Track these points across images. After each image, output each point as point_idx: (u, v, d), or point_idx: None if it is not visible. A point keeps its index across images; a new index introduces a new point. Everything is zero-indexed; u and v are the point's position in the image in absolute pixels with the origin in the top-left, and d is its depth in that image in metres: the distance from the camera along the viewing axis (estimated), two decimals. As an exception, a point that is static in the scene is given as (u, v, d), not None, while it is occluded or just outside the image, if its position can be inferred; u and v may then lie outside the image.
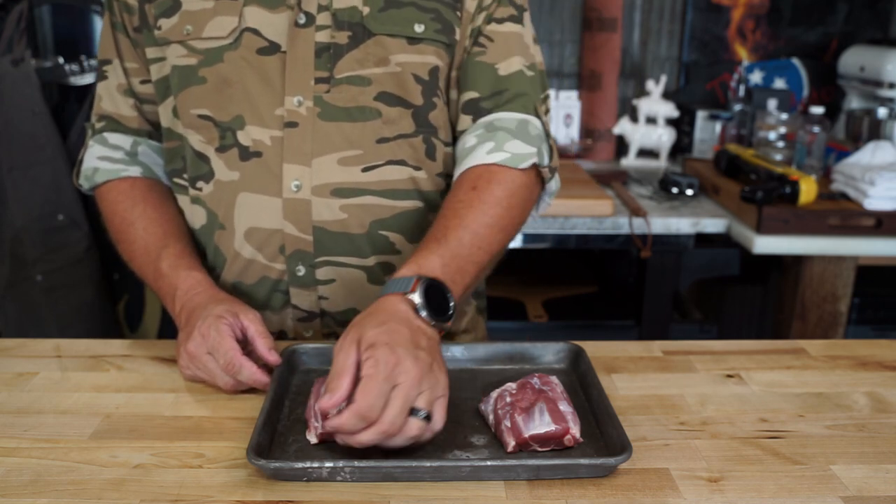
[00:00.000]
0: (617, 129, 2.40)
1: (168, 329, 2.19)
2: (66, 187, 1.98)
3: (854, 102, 2.38)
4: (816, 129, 2.07)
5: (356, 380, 0.73)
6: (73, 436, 0.79)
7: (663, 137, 2.38)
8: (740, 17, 2.57)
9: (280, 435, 0.78)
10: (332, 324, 1.04)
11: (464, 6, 0.99)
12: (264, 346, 0.88)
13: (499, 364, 0.92)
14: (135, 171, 1.07)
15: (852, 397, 0.88)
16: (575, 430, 0.75)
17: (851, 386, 0.91)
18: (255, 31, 0.95)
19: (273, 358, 0.87)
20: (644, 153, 2.47)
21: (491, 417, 0.79)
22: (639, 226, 1.87)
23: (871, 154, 1.90)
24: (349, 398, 0.73)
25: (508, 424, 0.76)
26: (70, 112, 2.08)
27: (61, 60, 2.10)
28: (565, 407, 0.77)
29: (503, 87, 1.00)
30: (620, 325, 2.10)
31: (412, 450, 0.75)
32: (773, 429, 0.81)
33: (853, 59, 2.34)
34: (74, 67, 2.08)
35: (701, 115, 2.39)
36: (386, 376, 0.71)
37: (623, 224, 1.88)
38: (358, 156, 0.97)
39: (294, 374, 0.90)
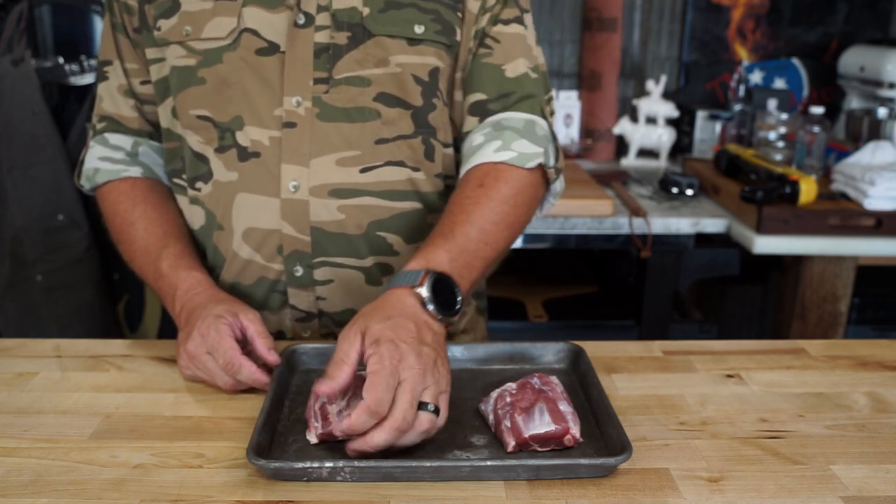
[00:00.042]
0: (617, 129, 2.40)
1: (168, 329, 2.19)
2: (66, 187, 1.98)
3: (854, 102, 2.38)
4: (816, 129, 2.07)
5: (356, 371, 0.74)
6: (73, 436, 0.79)
7: (663, 137, 2.38)
8: (740, 17, 2.57)
9: (280, 435, 0.78)
10: (331, 324, 1.04)
11: (466, 7, 0.99)
12: (264, 345, 0.88)
13: (499, 364, 0.92)
14: (135, 171, 1.07)
15: (852, 397, 0.88)
16: (575, 430, 0.75)
17: (851, 386, 0.91)
18: (254, 32, 0.95)
19: (273, 358, 0.87)
20: (644, 153, 2.47)
21: (491, 417, 0.79)
22: (639, 226, 1.87)
23: (871, 154, 1.90)
24: (348, 396, 0.73)
25: (508, 424, 0.76)
26: (70, 112, 2.08)
27: (61, 60, 2.10)
28: (565, 407, 0.77)
29: (510, 90, 1.00)
30: (620, 325, 2.10)
31: (412, 450, 0.75)
32: (773, 429, 0.81)
33: (853, 59, 2.34)
34: (74, 67, 2.08)
35: (701, 115, 2.39)
36: (391, 371, 0.71)
37: (623, 224, 1.88)
38: (356, 156, 0.97)
39: (294, 374, 0.90)
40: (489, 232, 0.92)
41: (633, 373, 0.94)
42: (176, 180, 1.06)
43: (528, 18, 1.04)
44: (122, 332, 2.21)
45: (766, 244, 1.78)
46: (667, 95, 2.50)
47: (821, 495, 0.70)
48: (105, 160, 1.07)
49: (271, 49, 0.95)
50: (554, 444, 0.75)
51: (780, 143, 2.10)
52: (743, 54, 2.61)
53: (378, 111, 0.97)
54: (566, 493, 0.70)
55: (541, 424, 0.75)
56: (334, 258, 1.00)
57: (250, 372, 0.85)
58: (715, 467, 0.74)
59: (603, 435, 0.77)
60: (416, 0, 0.96)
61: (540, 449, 0.75)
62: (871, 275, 2.03)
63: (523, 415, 0.76)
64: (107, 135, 1.08)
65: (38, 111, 1.94)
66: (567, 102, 2.47)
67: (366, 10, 0.95)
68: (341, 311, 1.02)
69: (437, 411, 0.73)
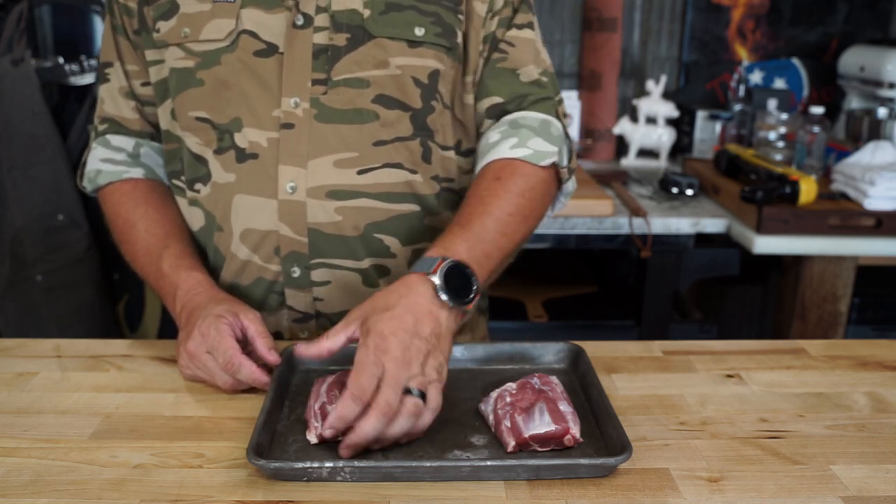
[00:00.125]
0: (617, 129, 2.40)
1: (168, 329, 2.19)
2: (66, 187, 1.98)
3: (854, 102, 2.38)
4: (816, 129, 2.07)
5: (338, 349, 0.80)
6: (73, 436, 0.79)
7: (663, 137, 2.38)
8: (740, 17, 2.57)
9: (280, 435, 0.78)
10: (328, 325, 1.03)
11: (472, 10, 1.00)
12: (264, 345, 0.88)
13: (499, 364, 0.93)
14: (137, 172, 1.07)
15: (852, 397, 0.88)
16: (575, 430, 0.75)
17: (851, 386, 0.91)
18: (253, 34, 0.95)
19: (273, 358, 0.87)
20: (644, 153, 2.46)
21: (491, 417, 0.79)
22: (639, 226, 1.87)
23: (871, 154, 1.90)
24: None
25: (508, 424, 0.76)
26: (70, 112, 2.08)
27: (61, 60, 2.10)
28: (565, 407, 0.77)
29: (526, 92, 1.02)
30: (620, 325, 2.10)
31: (412, 450, 0.75)
32: (773, 429, 0.81)
33: (853, 59, 2.34)
34: (74, 67, 2.08)
35: (701, 115, 2.39)
36: (374, 361, 0.74)
37: (623, 224, 1.88)
38: (354, 158, 0.97)
39: (294, 374, 0.90)
40: (506, 223, 0.93)
41: (633, 373, 0.94)
42: (175, 182, 1.06)
43: (535, 21, 1.06)
44: (122, 332, 2.21)
45: (766, 244, 1.78)
46: (667, 95, 2.50)
47: (821, 495, 0.70)
48: (107, 162, 1.07)
49: (270, 50, 0.95)
50: (554, 444, 0.75)
51: (780, 143, 2.10)
52: (743, 54, 2.61)
53: (376, 113, 0.97)
54: (566, 493, 0.70)
55: (541, 424, 0.75)
56: (331, 259, 1.00)
57: (250, 371, 0.86)
58: (715, 467, 0.74)
59: (603, 435, 0.77)
60: (417, 2, 0.96)
61: (540, 449, 0.75)
62: (871, 275, 2.03)
63: (523, 415, 0.76)
64: (108, 136, 1.08)
65: (38, 111, 1.94)
66: (567, 102, 2.47)
67: (366, 12, 0.95)
68: (338, 312, 1.02)
69: (422, 396, 0.74)
